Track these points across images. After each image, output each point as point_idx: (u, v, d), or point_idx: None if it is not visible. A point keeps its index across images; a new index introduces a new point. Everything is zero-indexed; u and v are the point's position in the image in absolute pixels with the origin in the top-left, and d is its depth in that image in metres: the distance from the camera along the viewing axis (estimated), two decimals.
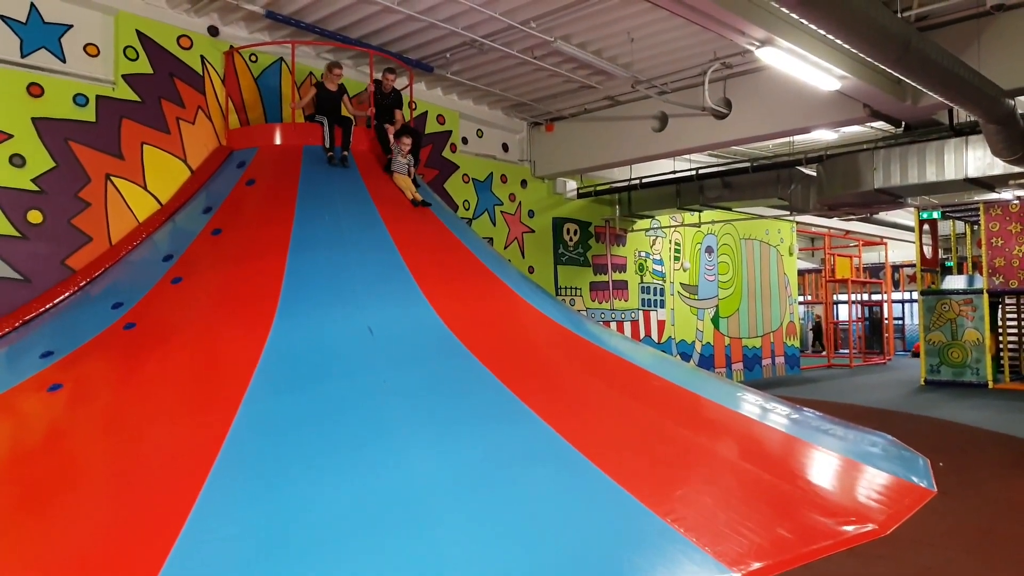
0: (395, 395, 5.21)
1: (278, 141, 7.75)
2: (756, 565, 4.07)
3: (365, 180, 7.51)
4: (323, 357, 5.46)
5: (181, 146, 7.53)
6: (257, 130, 7.98)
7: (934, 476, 6.22)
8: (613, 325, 12.74)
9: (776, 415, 7.16)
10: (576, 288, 12.26)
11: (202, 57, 7.76)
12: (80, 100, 6.88)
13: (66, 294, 6.53)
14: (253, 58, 8.21)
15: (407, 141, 7.43)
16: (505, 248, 10.99)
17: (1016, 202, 13.31)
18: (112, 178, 7.05)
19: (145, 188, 7.24)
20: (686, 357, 14.18)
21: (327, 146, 7.51)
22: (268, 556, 3.75)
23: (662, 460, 5.23)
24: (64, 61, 6.82)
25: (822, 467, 5.97)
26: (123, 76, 7.16)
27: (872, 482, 5.70)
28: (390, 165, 7.49)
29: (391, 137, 7.67)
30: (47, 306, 6.41)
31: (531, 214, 11.54)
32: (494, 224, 10.88)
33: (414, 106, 8.97)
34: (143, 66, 7.31)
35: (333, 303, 5.98)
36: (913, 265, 17.52)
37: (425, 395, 5.30)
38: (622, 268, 13.21)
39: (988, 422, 9.28)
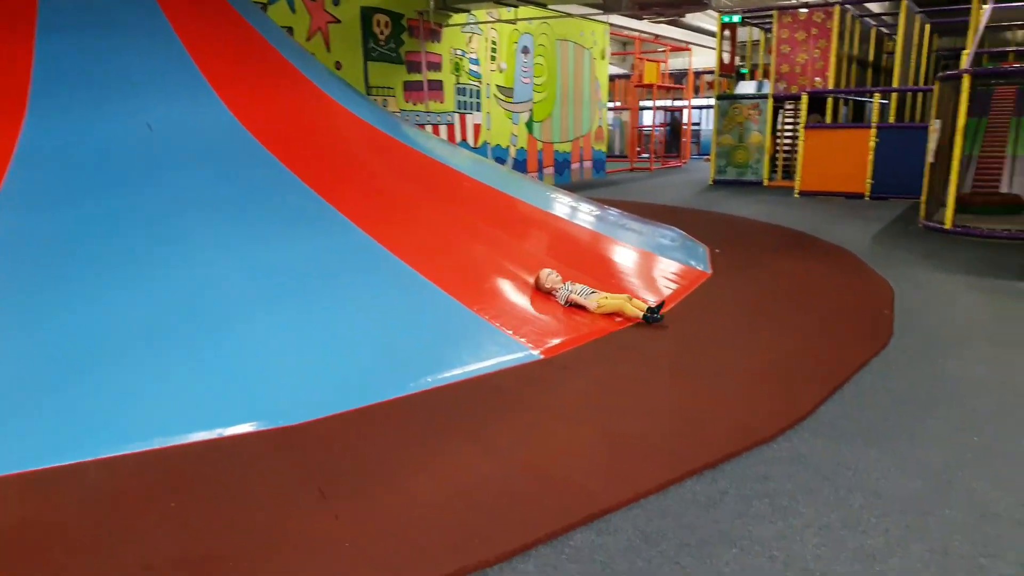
0: (188, 203, 4.77)
1: None
2: (555, 341, 4.43)
3: None
4: (93, 163, 4.77)
5: None
6: None
7: (711, 261, 6.99)
8: (428, 128, 12.43)
9: (583, 214, 7.56)
10: (389, 88, 11.66)
11: None
12: None
13: None
14: None
15: (575, 286, 5.05)
16: (307, 40, 10.03)
17: (805, 10, 14.15)
18: None
19: None
20: (501, 162, 14.33)
21: None
22: (43, 376, 3.48)
23: (474, 258, 5.38)
24: None
25: (621, 258, 6.48)
26: None
27: (663, 269, 6.31)
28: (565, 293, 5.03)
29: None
30: None
31: (336, 2, 10.51)
32: (293, 11, 9.81)
33: None
34: None
35: (100, 98, 5.16)
36: (713, 72, 18.42)
37: (221, 201, 4.89)
38: (437, 67, 12.67)
39: (760, 215, 10.46)
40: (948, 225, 8.14)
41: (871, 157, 11.71)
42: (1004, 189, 9.94)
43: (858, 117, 16.20)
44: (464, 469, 2.88)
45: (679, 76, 25.11)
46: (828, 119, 13.60)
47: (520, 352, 4.26)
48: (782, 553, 2.33)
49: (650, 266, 6.40)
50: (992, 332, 4.72)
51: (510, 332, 4.43)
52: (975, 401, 3.56)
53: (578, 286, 5.06)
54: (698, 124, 27.35)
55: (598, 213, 7.84)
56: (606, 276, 5.82)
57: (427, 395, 3.66)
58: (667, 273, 6.22)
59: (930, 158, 8.52)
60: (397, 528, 2.48)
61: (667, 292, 5.72)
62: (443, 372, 3.92)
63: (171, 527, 2.48)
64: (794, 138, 15.31)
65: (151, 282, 4.09)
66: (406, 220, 5.58)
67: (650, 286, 5.87)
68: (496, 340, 4.35)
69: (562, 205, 7.62)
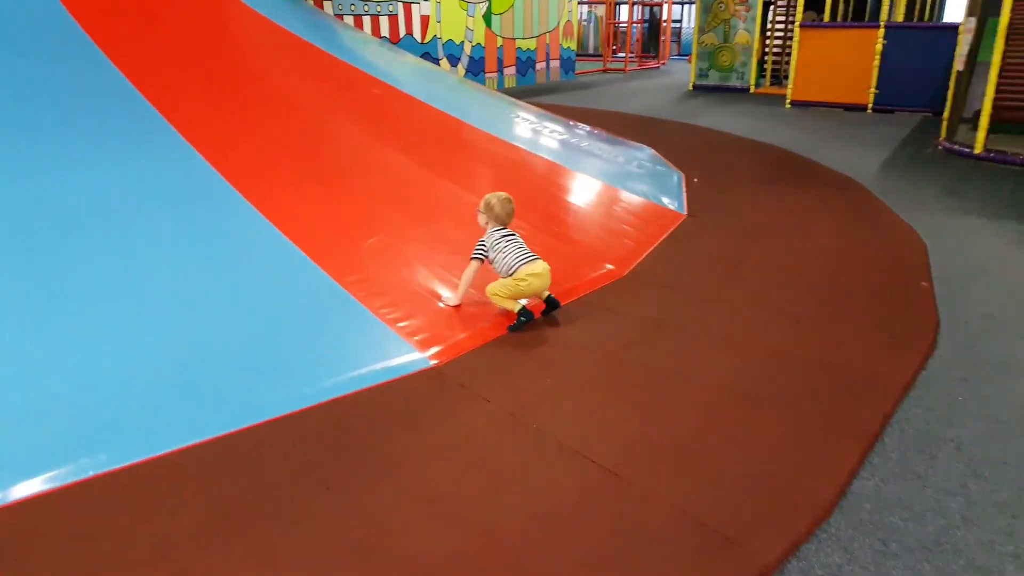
0: None
1: None
2: (457, 337, 3.05)
3: None
4: None
5: None
6: None
7: (686, 194, 5.57)
8: (367, 20, 10.56)
9: (544, 137, 6.18)
10: None
11: None
12: None
13: None
14: None
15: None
16: None
17: None
18: None
19: None
20: (454, 61, 12.48)
21: None
22: None
23: (370, 202, 3.94)
24: None
25: (577, 197, 5.05)
26: None
27: (624, 210, 4.89)
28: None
29: None
30: None
31: None
32: None
33: None
34: None
35: None
36: None
37: (22, 107, 3.61)
38: None
39: (747, 129, 8.93)
40: (979, 149, 6.68)
41: (876, 62, 10.10)
42: None
43: (859, 16, 14.40)
44: None
45: None
46: (827, 17, 11.86)
47: (403, 355, 2.88)
48: None
49: (610, 207, 4.95)
50: None
51: (392, 318, 3.04)
52: None
53: (502, 246, 3.23)
54: (679, 21, 25.13)
55: (562, 134, 6.36)
56: (550, 224, 4.37)
57: (228, 444, 2.29)
58: (628, 217, 4.77)
59: (959, 65, 6.99)
60: None
61: (624, 246, 4.30)
62: (269, 397, 2.53)
63: None
64: (787, 38, 13.61)
65: None
66: (281, 153, 4.11)
67: (605, 237, 4.45)
68: (369, 333, 2.97)
69: (521, 126, 6.18)
